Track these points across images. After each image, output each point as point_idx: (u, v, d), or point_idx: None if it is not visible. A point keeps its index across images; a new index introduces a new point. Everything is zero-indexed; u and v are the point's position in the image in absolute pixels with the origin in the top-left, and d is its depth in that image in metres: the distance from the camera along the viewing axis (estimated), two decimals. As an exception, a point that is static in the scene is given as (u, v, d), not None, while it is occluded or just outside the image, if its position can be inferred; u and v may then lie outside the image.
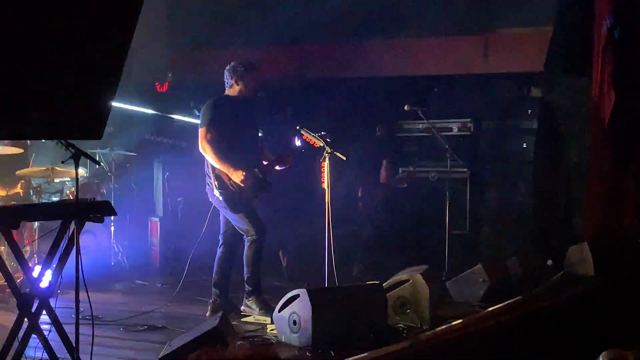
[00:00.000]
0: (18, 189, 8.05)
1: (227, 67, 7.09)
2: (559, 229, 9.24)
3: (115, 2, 3.22)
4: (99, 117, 3.27)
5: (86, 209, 4.75)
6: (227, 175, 6.74)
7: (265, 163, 7.01)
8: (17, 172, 8.10)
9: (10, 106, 2.98)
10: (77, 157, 4.71)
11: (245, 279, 6.95)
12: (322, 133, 7.02)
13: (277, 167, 7.11)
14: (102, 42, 3.29)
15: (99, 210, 4.81)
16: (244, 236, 6.89)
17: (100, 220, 4.86)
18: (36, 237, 7.63)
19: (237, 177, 6.70)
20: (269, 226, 7.04)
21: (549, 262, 8.04)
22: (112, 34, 3.28)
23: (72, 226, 4.73)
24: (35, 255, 7.58)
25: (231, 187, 6.75)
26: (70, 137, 3.65)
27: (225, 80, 7.10)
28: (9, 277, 4.66)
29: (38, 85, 3.08)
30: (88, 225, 4.88)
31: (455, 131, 9.40)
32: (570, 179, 9.27)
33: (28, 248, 7.68)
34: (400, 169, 9.41)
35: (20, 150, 8.02)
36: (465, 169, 9.02)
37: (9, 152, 7.93)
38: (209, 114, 6.84)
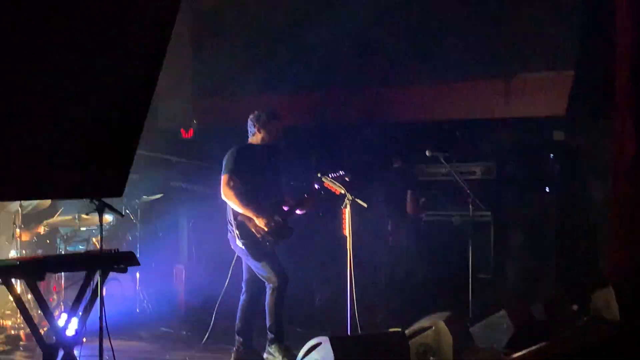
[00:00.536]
0: (40, 229, 8.14)
1: (251, 116, 7.19)
2: (584, 272, 9.17)
3: (138, 58, 3.28)
4: (121, 174, 3.33)
5: (110, 260, 4.82)
6: (250, 222, 6.79)
7: (286, 209, 7.05)
8: (45, 222, 8.22)
9: (35, 167, 3.05)
10: (100, 209, 4.81)
11: (267, 326, 6.97)
12: (341, 172, 7.10)
13: (297, 212, 7.16)
14: (123, 104, 3.36)
15: (122, 261, 4.88)
16: (266, 283, 6.92)
17: (124, 271, 4.93)
18: (63, 286, 7.70)
19: (261, 222, 6.76)
20: (291, 272, 7.07)
21: (575, 306, 7.97)
22: (135, 90, 3.35)
23: (97, 276, 4.80)
24: (62, 303, 7.66)
25: (255, 234, 6.79)
26: (93, 196, 3.73)
27: (249, 128, 7.19)
28: (33, 327, 4.73)
29: (63, 145, 3.14)
30: (114, 272, 4.95)
31: (478, 174, 9.39)
32: (594, 222, 9.22)
33: (55, 296, 7.76)
34: (421, 199, 9.35)
35: (48, 202, 8.14)
36: (488, 213, 9.02)
37: (38, 206, 8.05)
38: (231, 161, 6.93)
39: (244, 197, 6.81)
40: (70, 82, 3.02)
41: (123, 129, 3.27)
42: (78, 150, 3.19)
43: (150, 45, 3.18)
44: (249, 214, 6.79)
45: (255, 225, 6.79)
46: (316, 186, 7.05)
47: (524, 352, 6.49)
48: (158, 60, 3.31)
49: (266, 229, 6.77)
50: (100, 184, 3.39)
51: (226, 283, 7.07)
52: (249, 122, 7.18)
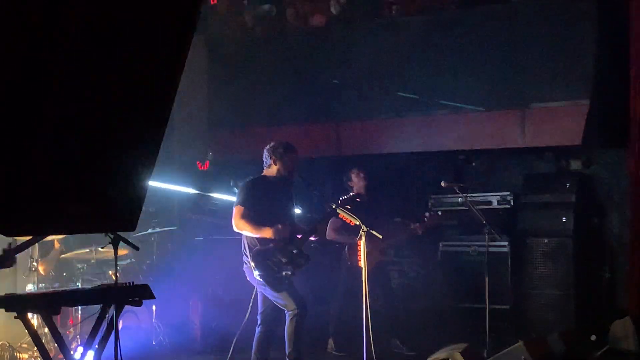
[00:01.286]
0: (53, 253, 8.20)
1: (267, 147, 7.20)
2: (602, 303, 9.12)
3: (154, 87, 3.30)
4: (133, 207, 3.35)
5: (124, 293, 4.83)
6: (265, 254, 6.79)
7: (299, 237, 7.05)
8: (61, 257, 8.26)
9: (46, 201, 3.07)
10: (115, 242, 4.84)
11: (287, 353, 6.95)
12: (352, 194, 7.16)
13: (312, 238, 7.15)
14: (139, 130, 3.37)
15: (137, 294, 4.89)
16: (285, 311, 6.91)
17: (139, 304, 4.94)
18: (79, 319, 7.71)
19: (277, 233, 6.75)
20: (309, 302, 7.06)
21: (593, 337, 7.91)
22: (153, 117, 3.36)
23: (112, 309, 4.81)
24: (78, 337, 7.67)
25: (272, 267, 6.79)
26: (106, 230, 3.75)
27: (264, 159, 7.21)
28: (49, 361, 4.73)
29: (77, 178, 3.17)
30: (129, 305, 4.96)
31: (494, 205, 9.40)
32: (612, 252, 9.18)
33: (72, 329, 7.78)
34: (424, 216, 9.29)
35: (63, 235, 8.17)
36: (505, 243, 9.01)
37: (53, 238, 8.09)
38: (244, 193, 6.96)
39: (256, 222, 6.82)
40: (83, 112, 3.04)
41: (137, 160, 3.28)
42: (91, 183, 3.21)
43: (165, 70, 3.20)
44: (265, 233, 6.79)
45: (274, 252, 6.77)
46: (329, 210, 7.06)
47: (541, 384, 6.45)
48: (173, 88, 3.32)
49: (284, 240, 6.76)
50: (114, 217, 3.40)
51: (247, 315, 7.06)
52: (265, 154, 7.20)
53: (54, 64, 2.91)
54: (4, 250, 5.01)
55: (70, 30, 2.88)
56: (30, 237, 5.03)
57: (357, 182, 8.73)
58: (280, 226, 6.77)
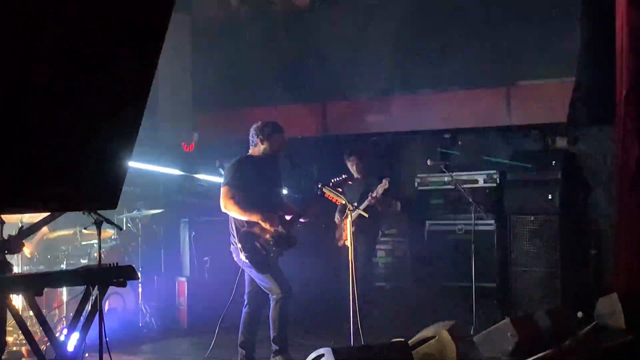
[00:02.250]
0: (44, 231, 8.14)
1: (254, 126, 7.14)
2: (588, 280, 9.13)
3: (132, 65, 3.25)
4: (114, 186, 3.31)
5: (109, 274, 4.79)
6: (254, 232, 6.77)
7: (288, 218, 7.02)
8: (45, 238, 8.19)
9: (27, 180, 3.03)
10: (99, 223, 4.80)
11: (271, 338, 6.94)
12: (344, 176, 7.12)
13: (301, 220, 7.12)
14: (118, 110, 3.33)
15: (121, 275, 4.85)
16: (270, 295, 6.89)
17: (123, 285, 4.89)
18: (64, 301, 7.67)
19: (267, 224, 6.73)
20: (294, 283, 7.04)
21: (579, 314, 7.92)
22: (131, 97, 3.32)
23: (96, 291, 4.77)
24: (63, 319, 7.63)
25: (260, 248, 6.76)
26: (87, 208, 3.71)
27: (251, 138, 7.15)
28: (33, 343, 4.70)
29: (56, 157, 3.13)
30: (114, 287, 4.92)
31: (481, 183, 9.39)
32: (599, 229, 9.18)
33: (57, 311, 7.74)
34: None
35: (47, 213, 8.09)
36: (491, 222, 9.02)
37: (37, 217, 8.00)
38: (231, 173, 6.91)
39: (244, 204, 6.79)
40: (62, 92, 3.00)
41: (116, 139, 3.24)
42: (70, 161, 3.17)
43: (145, 49, 3.16)
44: (253, 218, 6.76)
45: (260, 233, 6.75)
46: (318, 192, 7.03)
47: (528, 360, 6.46)
48: (151, 67, 3.27)
49: (272, 230, 6.74)
50: (94, 196, 3.36)
51: (231, 296, 7.04)
52: (252, 133, 7.14)
53: (34, 44, 2.87)
54: (10, 236, 4.97)
55: (49, 9, 2.83)
56: (38, 221, 4.99)
57: (350, 167, 8.71)
58: (279, 227, 6.75)
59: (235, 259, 6.96)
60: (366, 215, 7.56)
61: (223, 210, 6.88)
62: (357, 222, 7.91)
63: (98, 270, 4.79)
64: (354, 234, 7.12)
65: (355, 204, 7.83)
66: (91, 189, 3.29)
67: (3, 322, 4.81)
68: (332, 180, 7.11)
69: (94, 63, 3.03)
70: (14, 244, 4.96)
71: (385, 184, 8.21)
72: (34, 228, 5.08)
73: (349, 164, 8.77)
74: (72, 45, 2.94)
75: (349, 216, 6.90)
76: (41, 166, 3.09)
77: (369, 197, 8.24)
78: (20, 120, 2.99)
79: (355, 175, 8.60)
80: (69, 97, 3.06)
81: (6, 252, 4.89)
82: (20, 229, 5.03)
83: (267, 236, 6.77)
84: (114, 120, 3.20)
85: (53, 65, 2.92)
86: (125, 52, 3.08)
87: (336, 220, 8.75)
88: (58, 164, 3.11)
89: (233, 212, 6.81)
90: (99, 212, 4.60)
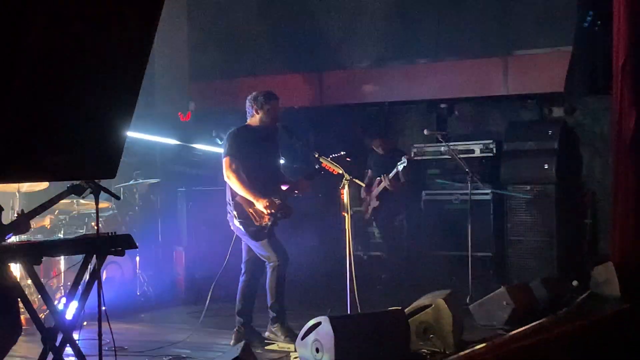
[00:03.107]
0: (46, 223, 8.13)
1: (248, 97, 7.14)
2: (584, 249, 9.18)
3: (128, 38, 3.25)
4: (113, 155, 3.31)
5: (107, 243, 4.81)
6: (247, 203, 6.78)
7: (284, 188, 7.02)
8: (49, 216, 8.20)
9: (26, 149, 3.04)
10: (96, 192, 4.80)
11: (269, 305, 6.96)
12: (342, 153, 7.10)
13: (296, 192, 7.13)
14: (116, 78, 3.33)
15: (119, 244, 4.87)
16: (267, 263, 6.91)
17: (121, 254, 4.91)
18: (62, 270, 7.69)
19: (262, 205, 6.74)
20: (292, 252, 7.06)
21: (575, 282, 7.98)
22: (128, 68, 3.32)
23: (94, 260, 4.79)
24: (62, 288, 7.66)
25: (252, 216, 6.78)
26: (85, 177, 3.71)
27: (247, 109, 7.15)
28: (32, 312, 4.72)
29: (54, 126, 3.12)
30: (113, 256, 4.93)
31: (477, 153, 9.41)
32: (594, 199, 9.22)
33: (55, 280, 7.76)
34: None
35: (46, 185, 8.10)
36: (487, 191, 9.05)
37: (36, 188, 8.02)
38: (231, 143, 6.90)
39: (246, 180, 6.79)
40: (60, 62, 2.99)
41: (115, 108, 3.24)
42: (69, 130, 3.17)
43: (143, 17, 3.14)
44: (251, 197, 6.76)
45: (255, 210, 6.76)
46: (317, 166, 7.02)
47: (523, 329, 6.50)
48: (149, 35, 3.26)
49: (266, 212, 6.75)
50: (93, 165, 3.37)
51: (225, 262, 7.03)
52: (247, 103, 7.13)
53: (29, 13, 2.85)
54: (19, 215, 4.98)
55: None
56: (44, 203, 4.99)
57: (376, 148, 9.36)
58: (273, 208, 6.74)
59: (231, 227, 6.98)
60: (363, 185, 7.58)
61: (225, 180, 6.88)
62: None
63: (97, 239, 4.80)
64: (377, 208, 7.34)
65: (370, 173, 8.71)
66: (90, 158, 3.29)
67: (16, 301, 4.83)
68: (331, 156, 7.09)
69: (92, 31, 3.02)
70: (23, 224, 4.97)
71: (404, 161, 8.75)
72: (39, 209, 5.07)
73: (374, 147, 9.33)
74: (70, 11, 2.93)
75: (346, 186, 6.90)
76: (39, 135, 3.09)
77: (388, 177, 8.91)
78: (18, 89, 2.99)
79: (381, 152, 9.29)
80: (66, 64, 3.06)
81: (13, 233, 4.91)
82: (29, 211, 5.01)
83: (263, 208, 6.78)
84: (113, 89, 3.20)
85: (51, 31, 2.91)
86: (123, 20, 3.07)
87: (362, 195, 9.36)
88: (56, 133, 3.11)
89: (234, 185, 6.80)
90: (97, 181, 4.61)
